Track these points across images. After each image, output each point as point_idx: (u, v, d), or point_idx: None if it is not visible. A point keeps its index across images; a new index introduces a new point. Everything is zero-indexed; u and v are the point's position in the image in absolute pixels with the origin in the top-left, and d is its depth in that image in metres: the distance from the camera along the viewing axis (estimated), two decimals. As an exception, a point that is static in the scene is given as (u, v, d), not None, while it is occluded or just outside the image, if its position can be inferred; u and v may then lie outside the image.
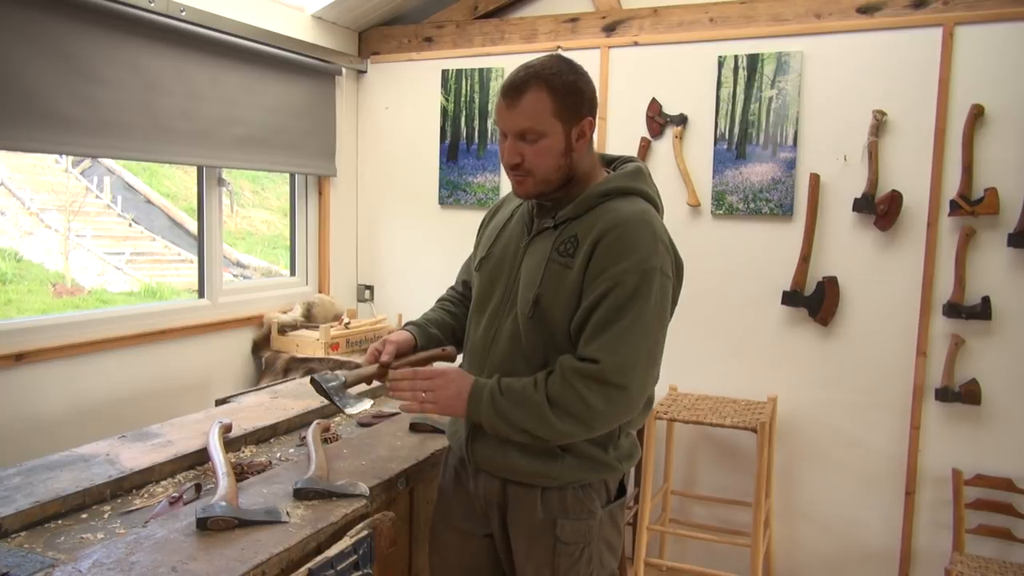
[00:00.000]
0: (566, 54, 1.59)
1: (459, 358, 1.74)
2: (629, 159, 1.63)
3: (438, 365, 1.62)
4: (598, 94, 3.12)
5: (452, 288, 1.88)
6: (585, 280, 1.45)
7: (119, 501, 1.62)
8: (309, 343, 3.14)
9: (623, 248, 1.43)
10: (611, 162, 1.64)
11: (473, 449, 1.58)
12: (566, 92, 1.46)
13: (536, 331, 1.50)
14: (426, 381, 1.51)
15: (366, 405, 1.65)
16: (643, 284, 1.42)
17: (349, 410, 1.61)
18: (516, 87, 1.46)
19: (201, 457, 1.83)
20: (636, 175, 1.56)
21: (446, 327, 1.77)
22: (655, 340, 1.46)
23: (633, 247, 1.43)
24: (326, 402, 2.25)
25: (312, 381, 1.63)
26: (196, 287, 3.17)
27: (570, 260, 1.47)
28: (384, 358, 1.62)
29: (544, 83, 1.45)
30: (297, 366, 3.10)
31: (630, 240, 1.44)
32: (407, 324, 1.76)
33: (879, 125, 2.82)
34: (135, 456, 1.77)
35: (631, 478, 3.21)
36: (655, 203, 1.56)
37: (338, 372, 1.66)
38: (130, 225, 8.01)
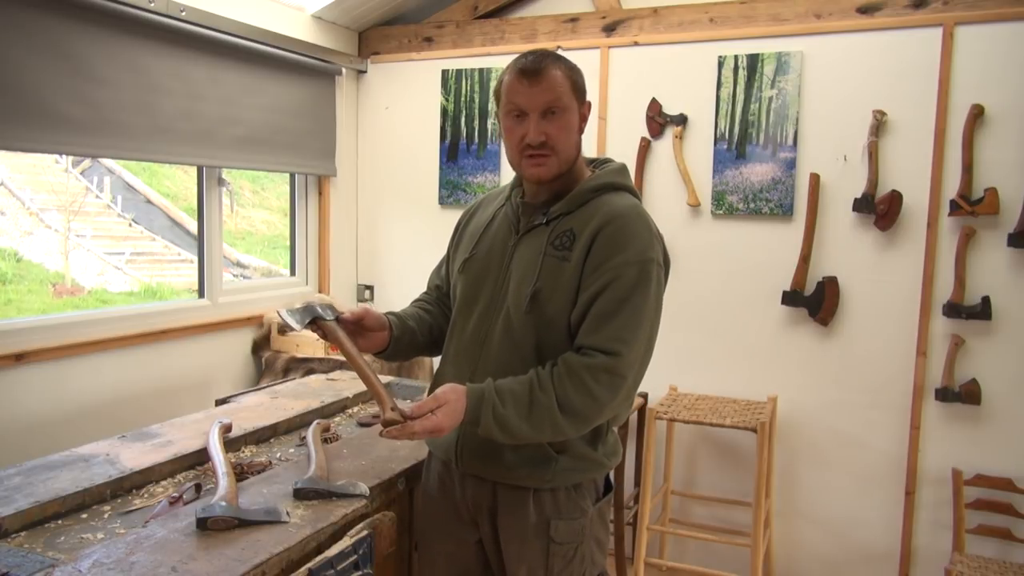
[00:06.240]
0: (566, 54, 1.62)
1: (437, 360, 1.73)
2: (609, 159, 1.69)
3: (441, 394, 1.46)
4: (598, 94, 3.15)
5: (425, 292, 1.87)
6: (584, 272, 1.47)
7: (119, 501, 1.62)
8: (309, 343, 3.14)
9: (622, 240, 1.46)
10: (591, 162, 1.68)
11: (462, 453, 1.57)
12: (575, 73, 1.55)
13: (532, 326, 1.50)
14: (430, 420, 1.39)
15: (297, 317, 1.59)
16: (642, 275, 1.46)
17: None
18: (537, 65, 1.50)
19: (201, 457, 1.82)
20: (623, 172, 1.63)
21: (423, 323, 1.75)
22: (653, 330, 1.50)
23: (631, 239, 1.47)
24: (326, 402, 2.28)
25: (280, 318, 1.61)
26: (196, 287, 3.17)
27: (567, 253, 1.49)
28: (345, 313, 1.59)
29: (560, 62, 1.53)
30: (297, 366, 3.10)
31: (628, 232, 1.48)
32: (388, 313, 1.71)
33: (879, 125, 2.82)
34: (135, 456, 1.77)
35: (630, 478, 3.21)
36: (640, 200, 1.63)
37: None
38: (130, 225, 7.99)
